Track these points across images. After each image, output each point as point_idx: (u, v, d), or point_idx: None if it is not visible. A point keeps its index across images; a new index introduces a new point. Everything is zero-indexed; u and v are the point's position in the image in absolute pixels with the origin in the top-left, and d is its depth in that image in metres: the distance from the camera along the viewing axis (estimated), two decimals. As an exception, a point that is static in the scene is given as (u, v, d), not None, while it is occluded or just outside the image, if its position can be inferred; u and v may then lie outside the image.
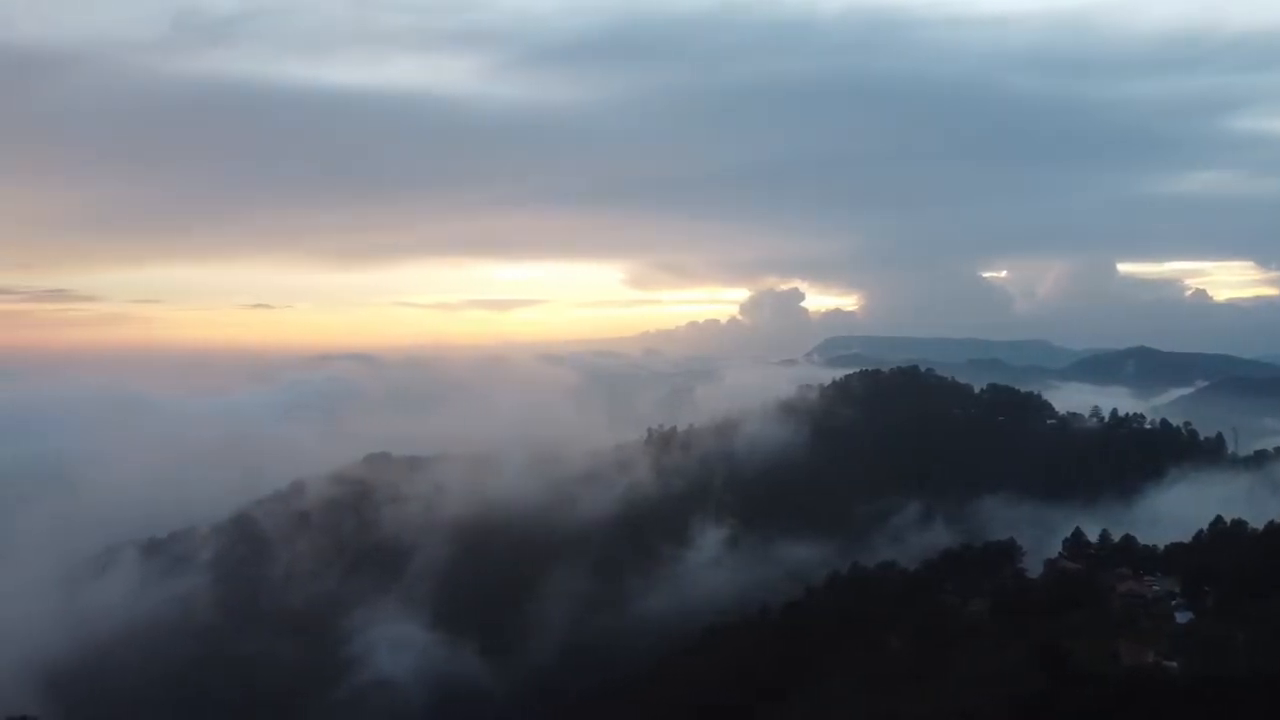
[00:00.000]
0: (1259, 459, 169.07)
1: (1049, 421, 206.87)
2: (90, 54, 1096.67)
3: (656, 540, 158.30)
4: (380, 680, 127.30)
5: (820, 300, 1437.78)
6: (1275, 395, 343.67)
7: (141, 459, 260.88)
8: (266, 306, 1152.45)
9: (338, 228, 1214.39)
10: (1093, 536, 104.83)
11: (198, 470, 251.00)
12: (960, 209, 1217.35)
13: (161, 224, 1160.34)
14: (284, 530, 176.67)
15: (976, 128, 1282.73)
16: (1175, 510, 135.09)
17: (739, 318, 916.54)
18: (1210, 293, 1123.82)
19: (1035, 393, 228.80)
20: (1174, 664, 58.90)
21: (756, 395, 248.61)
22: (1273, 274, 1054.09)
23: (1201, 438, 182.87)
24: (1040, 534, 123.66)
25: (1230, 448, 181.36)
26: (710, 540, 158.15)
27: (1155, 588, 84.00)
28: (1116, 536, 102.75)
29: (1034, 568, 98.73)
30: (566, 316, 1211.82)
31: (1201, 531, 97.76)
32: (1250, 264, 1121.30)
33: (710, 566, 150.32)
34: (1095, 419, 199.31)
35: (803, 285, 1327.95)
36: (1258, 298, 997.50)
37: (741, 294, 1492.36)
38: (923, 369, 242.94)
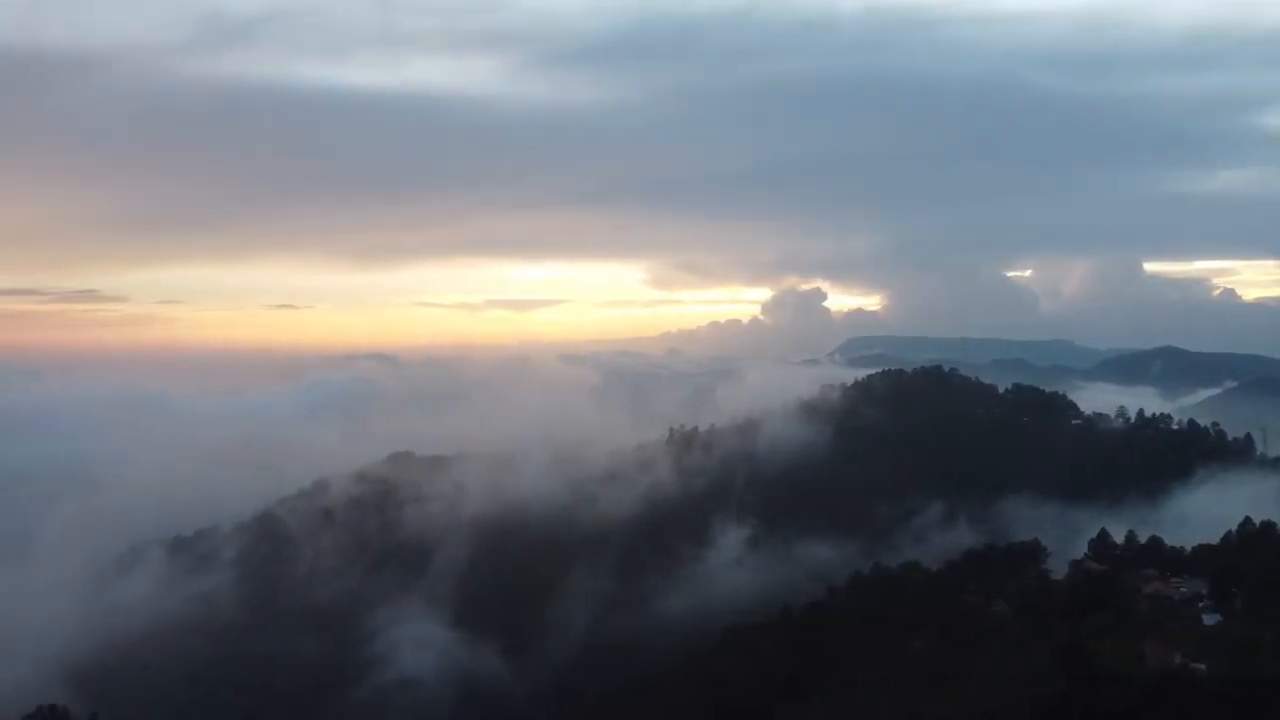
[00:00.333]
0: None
1: (1074, 422, 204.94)
2: (116, 57, 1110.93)
3: (677, 540, 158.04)
4: (402, 679, 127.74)
5: (842, 300, 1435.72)
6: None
7: (166, 458, 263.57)
8: (289, 307, 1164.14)
9: (360, 228, 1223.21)
10: (1118, 537, 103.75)
11: (222, 469, 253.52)
12: (984, 208, 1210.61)
13: (186, 225, 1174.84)
14: (307, 529, 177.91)
15: (1000, 126, 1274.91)
16: (1203, 511, 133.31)
17: (761, 318, 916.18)
18: (1239, 292, 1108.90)
19: (1060, 393, 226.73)
20: (1201, 666, 58.03)
21: (778, 395, 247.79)
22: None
23: (1230, 438, 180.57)
24: (1065, 535, 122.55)
25: (1259, 449, 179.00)
26: (731, 540, 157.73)
27: (1182, 589, 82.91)
28: (1143, 538, 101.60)
29: (1058, 569, 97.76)
30: (588, 316, 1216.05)
31: (1230, 533, 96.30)
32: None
33: (731, 567, 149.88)
34: (1121, 419, 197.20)
35: (825, 285, 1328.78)
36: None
37: (763, 294, 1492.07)
38: (946, 369, 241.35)
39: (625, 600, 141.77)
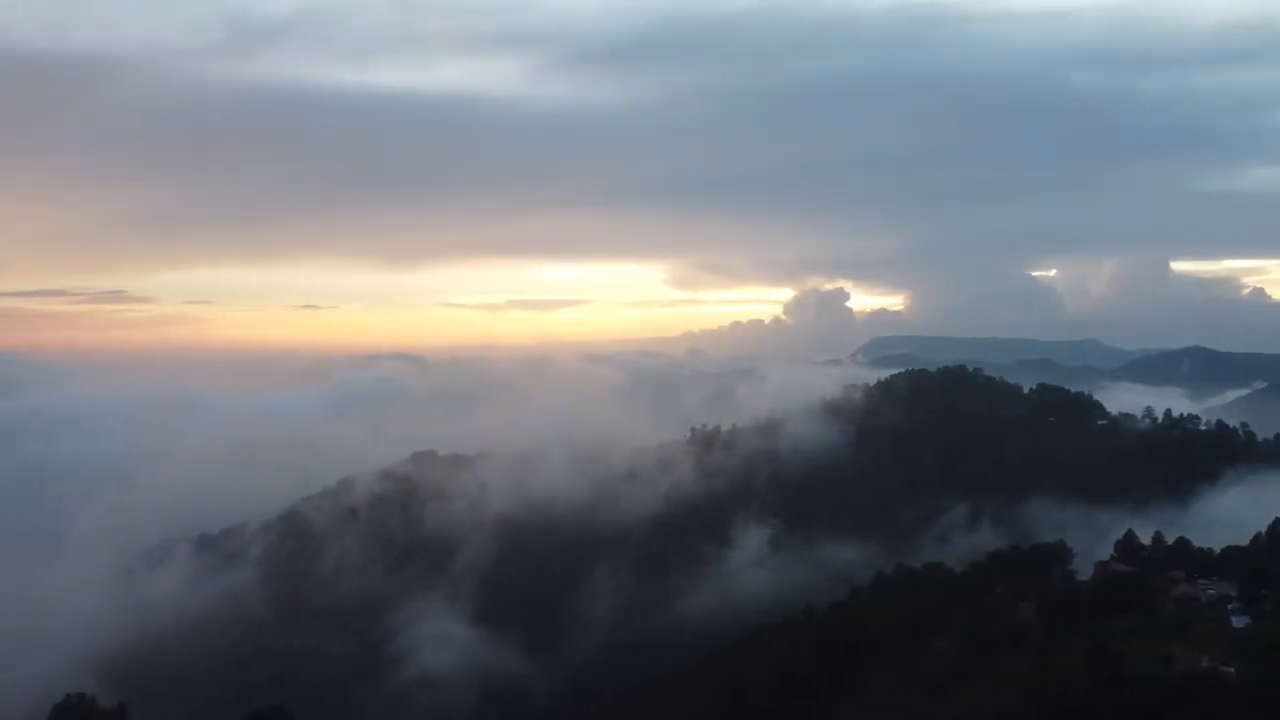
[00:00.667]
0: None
1: (1100, 422, 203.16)
2: (144, 60, 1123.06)
3: (699, 540, 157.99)
4: (424, 676, 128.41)
5: (865, 300, 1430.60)
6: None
7: (195, 456, 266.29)
8: (315, 307, 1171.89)
9: (384, 229, 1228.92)
10: (1145, 539, 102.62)
11: (249, 467, 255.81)
12: (1009, 207, 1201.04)
13: (214, 226, 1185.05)
14: (332, 527, 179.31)
15: (1026, 124, 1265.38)
16: (1232, 513, 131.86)
17: (783, 318, 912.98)
18: (1268, 291, 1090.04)
19: (1086, 393, 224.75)
20: (1230, 669, 57.47)
21: (800, 395, 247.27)
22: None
23: (1259, 439, 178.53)
24: (1090, 536, 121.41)
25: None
26: (753, 540, 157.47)
27: (1210, 591, 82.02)
28: (1170, 539, 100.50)
29: (1084, 570, 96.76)
30: (610, 316, 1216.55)
31: (1259, 534, 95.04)
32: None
33: (753, 567, 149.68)
34: (1148, 420, 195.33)
35: (848, 285, 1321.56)
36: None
37: (785, 294, 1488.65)
38: (970, 369, 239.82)
39: (647, 599, 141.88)
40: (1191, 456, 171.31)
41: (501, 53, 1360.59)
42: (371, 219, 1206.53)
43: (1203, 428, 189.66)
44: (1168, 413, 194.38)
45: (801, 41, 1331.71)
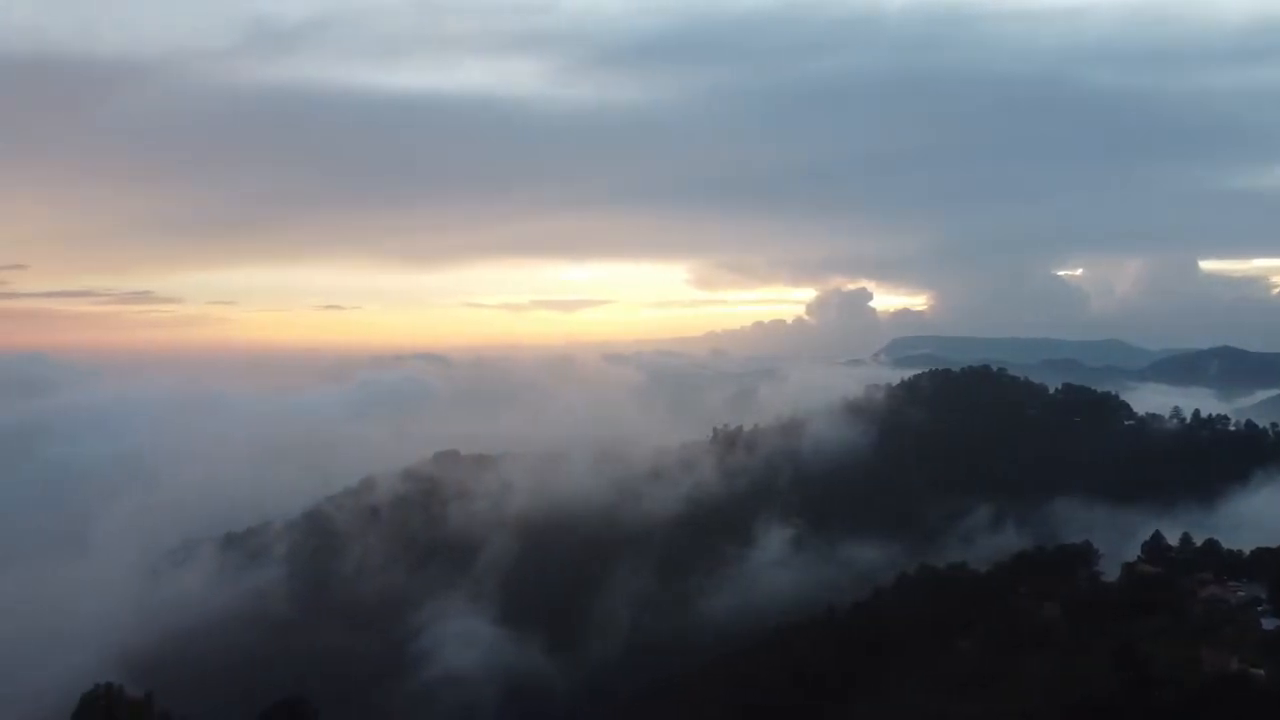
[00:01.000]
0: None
1: (1127, 422, 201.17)
2: (168, 63, 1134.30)
3: (721, 540, 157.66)
4: (447, 674, 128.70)
5: (888, 300, 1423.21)
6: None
7: (219, 455, 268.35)
8: (338, 307, 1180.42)
9: (407, 230, 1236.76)
10: (1173, 540, 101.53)
11: (272, 467, 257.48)
12: (1034, 206, 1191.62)
13: (238, 227, 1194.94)
14: (355, 526, 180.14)
15: (1050, 122, 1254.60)
16: (1261, 514, 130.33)
17: (805, 318, 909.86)
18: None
19: (1112, 393, 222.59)
20: (1260, 671, 56.58)
21: (823, 395, 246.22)
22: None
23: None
24: (1117, 537, 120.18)
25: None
26: (775, 540, 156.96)
27: (1240, 593, 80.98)
28: (1198, 540, 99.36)
29: (1110, 571, 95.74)
30: (632, 317, 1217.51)
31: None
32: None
33: (775, 567, 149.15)
34: (1176, 420, 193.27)
35: (870, 285, 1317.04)
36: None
37: (808, 294, 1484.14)
38: (995, 369, 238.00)
39: (669, 599, 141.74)
40: (1220, 457, 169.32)
41: (522, 54, 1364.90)
42: (395, 219, 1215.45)
43: (1232, 428, 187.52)
44: (1196, 413, 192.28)
45: (822, 41, 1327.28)
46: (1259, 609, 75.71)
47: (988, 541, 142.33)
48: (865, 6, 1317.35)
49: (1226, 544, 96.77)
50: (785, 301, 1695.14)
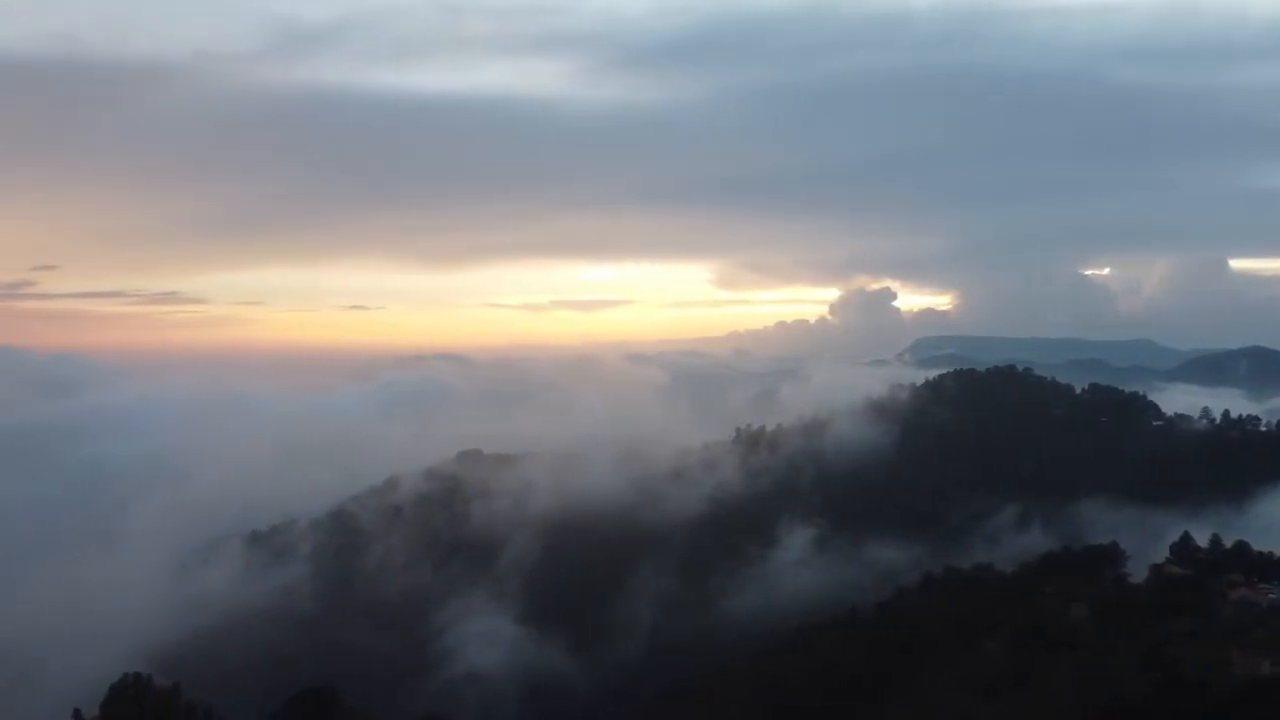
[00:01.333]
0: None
1: (1155, 423, 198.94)
2: (194, 66, 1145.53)
3: (743, 540, 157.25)
4: (469, 673, 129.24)
5: (913, 300, 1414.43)
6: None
7: (245, 454, 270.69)
8: (362, 308, 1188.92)
9: (431, 230, 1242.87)
10: (1202, 541, 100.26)
11: (298, 466, 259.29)
12: (1060, 204, 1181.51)
13: (263, 229, 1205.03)
14: (379, 524, 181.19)
15: (1077, 120, 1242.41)
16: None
17: (829, 318, 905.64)
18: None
19: (1140, 393, 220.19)
20: (1293, 674, 55.68)
21: (846, 395, 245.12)
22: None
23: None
24: (1145, 539, 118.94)
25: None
26: (798, 540, 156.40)
27: (1271, 595, 79.77)
28: (1228, 542, 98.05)
29: (1138, 573, 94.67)
30: (654, 317, 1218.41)
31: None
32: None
33: (797, 567, 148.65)
34: (1205, 421, 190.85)
35: (894, 284, 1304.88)
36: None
37: (831, 294, 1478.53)
38: (1020, 369, 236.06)
39: (691, 599, 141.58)
40: (1251, 458, 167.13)
41: (545, 55, 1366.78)
42: (418, 220, 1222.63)
43: (1262, 428, 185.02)
44: (1226, 413, 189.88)
45: (846, 39, 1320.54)
46: (1291, 612, 74.56)
47: (1013, 542, 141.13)
48: (890, 4, 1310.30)
49: (1257, 546, 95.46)
50: (808, 301, 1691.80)
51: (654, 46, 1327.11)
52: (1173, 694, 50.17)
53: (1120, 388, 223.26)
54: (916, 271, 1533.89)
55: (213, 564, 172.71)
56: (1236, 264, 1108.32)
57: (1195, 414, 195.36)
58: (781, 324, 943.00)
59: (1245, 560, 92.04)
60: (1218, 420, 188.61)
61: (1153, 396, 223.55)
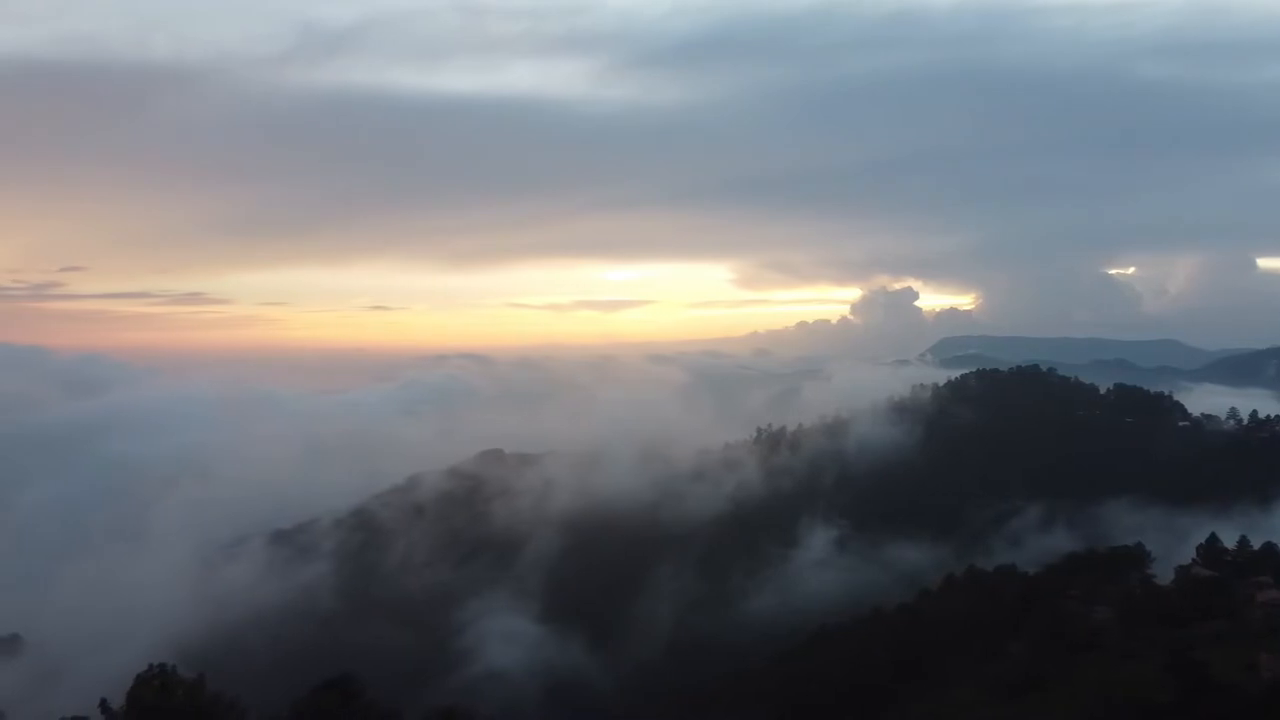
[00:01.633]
0: None
1: (1181, 424, 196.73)
2: (219, 69, 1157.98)
3: (764, 539, 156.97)
4: (491, 671, 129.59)
5: (935, 299, 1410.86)
6: None
7: (270, 453, 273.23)
8: (385, 308, 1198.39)
9: (453, 231, 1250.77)
10: (1229, 543, 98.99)
11: (321, 464, 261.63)
12: (1084, 203, 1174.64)
13: (287, 230, 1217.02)
14: (401, 523, 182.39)
15: (1102, 118, 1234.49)
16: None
17: (850, 318, 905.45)
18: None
19: (1166, 394, 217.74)
20: (1322, 678, 54.88)
21: (868, 395, 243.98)
22: None
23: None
24: (1170, 540, 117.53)
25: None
26: (819, 541, 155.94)
27: (1300, 598, 78.63)
28: (1256, 544, 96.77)
29: (1164, 575, 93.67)
30: (675, 317, 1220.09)
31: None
32: None
33: (818, 567, 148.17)
34: (1232, 421, 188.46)
35: (916, 284, 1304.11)
36: None
37: (853, 294, 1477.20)
38: (1044, 369, 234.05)
39: (711, 598, 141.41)
40: (1279, 459, 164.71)
41: (566, 55, 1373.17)
42: (440, 221, 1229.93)
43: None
44: (1253, 414, 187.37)
45: (867, 38, 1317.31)
46: (1320, 615, 73.50)
47: (1036, 544, 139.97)
48: (910, 2, 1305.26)
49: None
50: (830, 301, 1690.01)
51: (675, 46, 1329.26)
52: (1199, 697, 49.50)
53: (1145, 388, 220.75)
54: (939, 271, 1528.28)
55: (237, 561, 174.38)
56: (1264, 263, 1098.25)
57: (1222, 414, 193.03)
58: (802, 324, 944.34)
59: (1273, 562, 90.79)
60: (1245, 421, 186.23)
61: (1179, 397, 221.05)
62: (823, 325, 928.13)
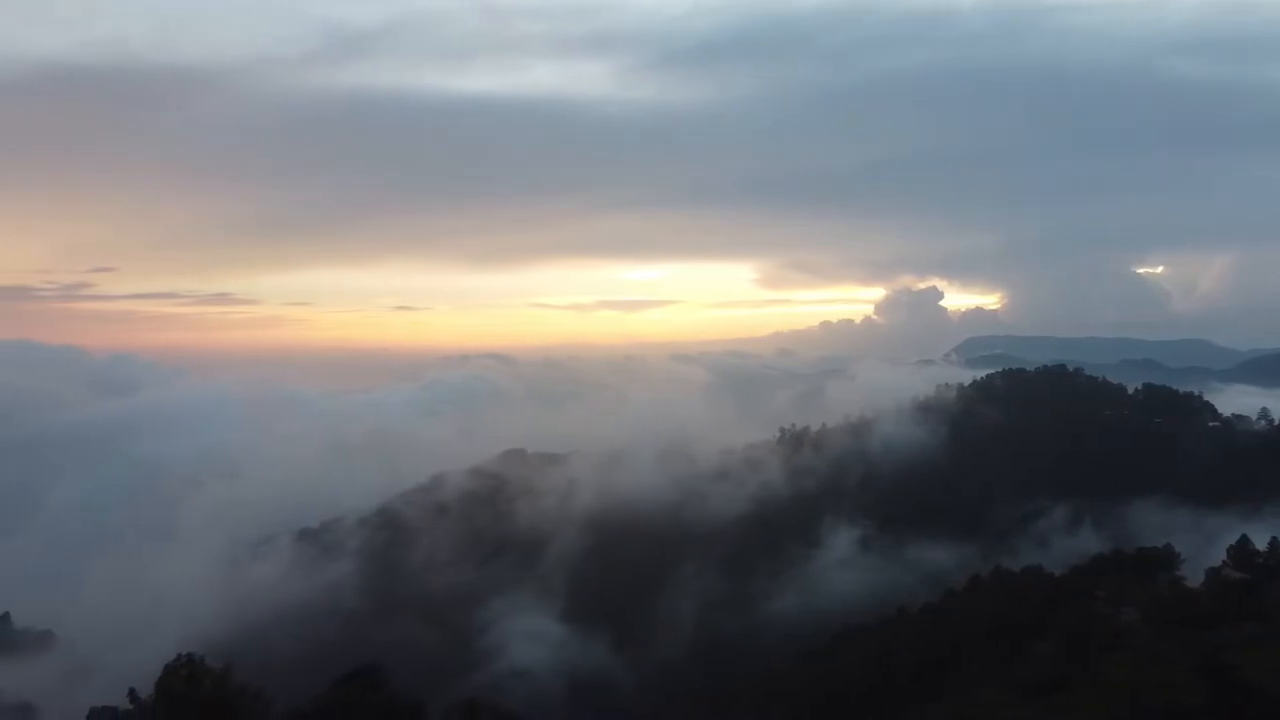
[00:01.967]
0: None
1: (1211, 424, 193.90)
2: (245, 71, 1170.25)
3: (787, 540, 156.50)
4: (514, 670, 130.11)
5: (960, 299, 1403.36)
6: None
7: (295, 452, 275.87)
8: (409, 308, 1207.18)
9: (476, 231, 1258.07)
10: (1261, 545, 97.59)
11: (346, 463, 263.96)
12: (1112, 201, 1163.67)
13: (313, 230, 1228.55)
14: (425, 522, 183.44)
15: (1130, 115, 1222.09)
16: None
17: (874, 317, 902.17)
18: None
19: (1196, 393, 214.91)
20: (1355, 682, 53.99)
21: (892, 395, 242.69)
22: None
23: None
24: (1200, 542, 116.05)
25: None
26: (842, 541, 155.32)
27: (1333, 601, 77.32)
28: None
29: (1193, 576, 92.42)
30: (697, 317, 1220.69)
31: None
32: None
33: (842, 568, 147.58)
34: (1264, 422, 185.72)
35: (941, 283, 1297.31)
36: None
37: (877, 293, 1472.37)
38: (1071, 369, 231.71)
39: (734, 598, 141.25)
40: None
41: (589, 56, 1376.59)
42: (463, 221, 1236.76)
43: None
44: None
45: (891, 36, 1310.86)
46: (1354, 618, 72.29)
47: (1062, 545, 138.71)
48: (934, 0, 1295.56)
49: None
50: (853, 301, 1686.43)
51: (696, 46, 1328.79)
52: (1228, 700, 48.98)
53: (1175, 388, 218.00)
54: (964, 270, 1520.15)
55: (263, 559, 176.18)
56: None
57: (1253, 415, 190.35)
58: (826, 324, 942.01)
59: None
60: (1277, 421, 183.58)
61: (1209, 397, 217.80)
62: (846, 325, 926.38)
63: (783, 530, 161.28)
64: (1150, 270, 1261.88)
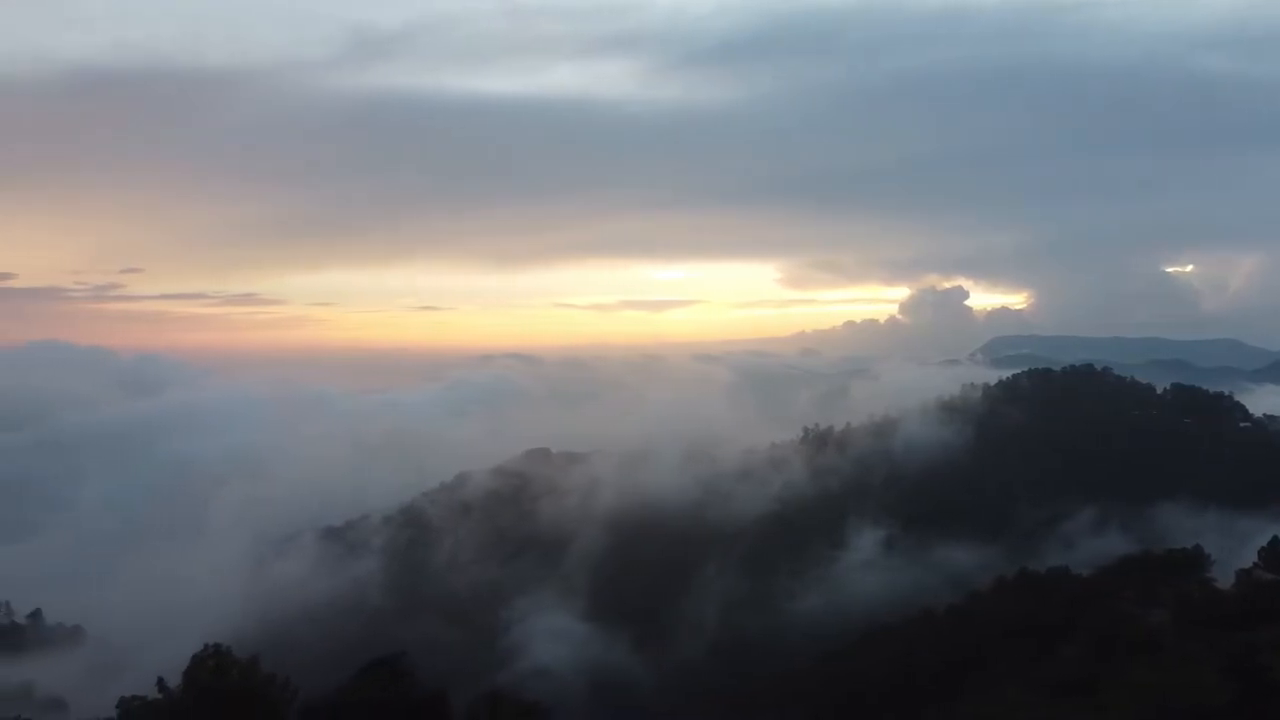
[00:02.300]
0: None
1: (1242, 425, 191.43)
2: (270, 73, 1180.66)
3: (810, 540, 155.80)
4: (536, 668, 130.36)
5: (986, 299, 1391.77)
6: None
7: (320, 451, 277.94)
8: (433, 308, 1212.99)
9: (499, 232, 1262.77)
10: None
11: (370, 463, 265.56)
12: (1140, 200, 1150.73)
13: (338, 231, 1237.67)
14: (448, 521, 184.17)
15: (1157, 112, 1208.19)
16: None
17: (899, 317, 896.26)
18: None
19: (1226, 394, 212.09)
20: (1390, 684, 53.06)
21: (917, 395, 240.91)
22: None
23: None
24: (1230, 543, 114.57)
25: None
26: (866, 541, 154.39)
27: (1367, 603, 76.05)
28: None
29: (1223, 578, 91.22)
30: (721, 317, 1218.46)
31: None
32: None
33: (865, 568, 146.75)
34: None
35: (966, 283, 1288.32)
36: None
37: (901, 293, 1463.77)
38: (1099, 369, 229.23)
39: (757, 598, 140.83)
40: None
41: (612, 55, 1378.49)
42: (487, 222, 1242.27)
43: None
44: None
45: (914, 34, 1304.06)
46: (1389, 620, 71.07)
47: (1089, 546, 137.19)
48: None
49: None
50: (878, 301, 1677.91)
51: (720, 45, 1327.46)
52: (1258, 701, 48.23)
53: (1205, 388, 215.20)
54: (990, 270, 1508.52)
55: (288, 557, 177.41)
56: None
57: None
58: (850, 324, 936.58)
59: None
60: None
61: (1240, 398, 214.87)
62: (870, 325, 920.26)
63: (806, 530, 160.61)
64: (1179, 269, 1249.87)
